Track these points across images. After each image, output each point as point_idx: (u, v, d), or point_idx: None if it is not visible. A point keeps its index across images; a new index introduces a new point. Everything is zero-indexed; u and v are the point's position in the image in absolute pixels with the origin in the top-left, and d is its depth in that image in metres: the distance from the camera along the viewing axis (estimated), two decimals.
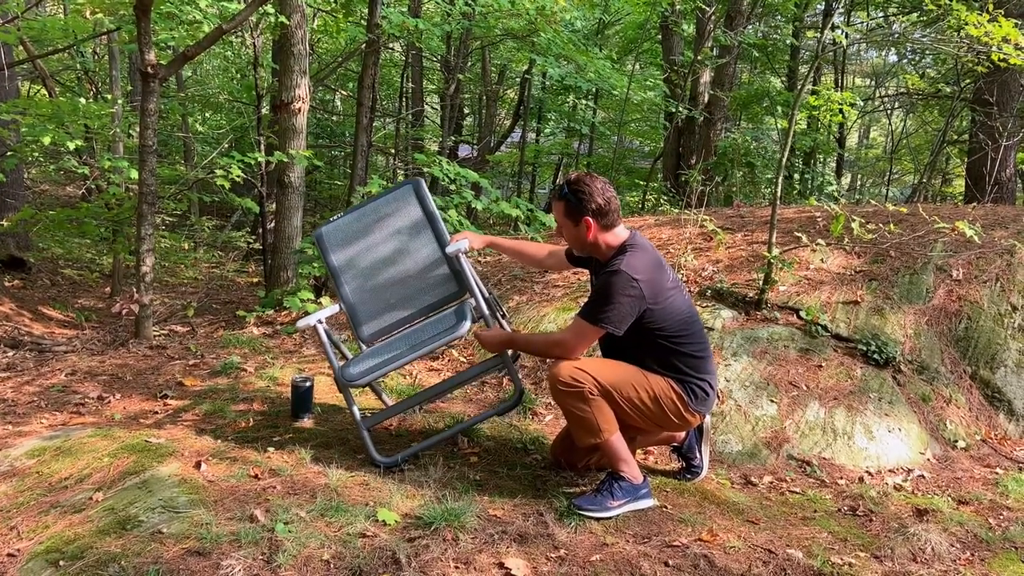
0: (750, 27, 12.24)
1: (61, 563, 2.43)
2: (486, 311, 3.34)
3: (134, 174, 6.48)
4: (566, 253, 3.42)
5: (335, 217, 3.74)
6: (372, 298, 3.58)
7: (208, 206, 13.10)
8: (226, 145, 10.55)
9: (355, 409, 3.33)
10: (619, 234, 3.03)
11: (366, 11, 8.23)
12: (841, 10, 11.73)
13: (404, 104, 14.78)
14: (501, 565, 2.51)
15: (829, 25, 5.30)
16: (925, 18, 10.78)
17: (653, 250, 3.05)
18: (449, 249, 3.45)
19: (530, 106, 14.29)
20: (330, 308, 3.66)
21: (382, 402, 3.92)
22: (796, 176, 12.04)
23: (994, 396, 4.17)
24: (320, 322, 3.47)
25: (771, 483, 3.39)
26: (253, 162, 6.57)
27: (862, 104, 14.36)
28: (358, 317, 3.58)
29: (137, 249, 5.64)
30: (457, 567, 2.50)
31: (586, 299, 4.85)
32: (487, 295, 3.47)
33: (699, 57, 10.69)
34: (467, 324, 3.23)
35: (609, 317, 2.86)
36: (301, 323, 3.50)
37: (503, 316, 3.62)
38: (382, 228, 3.62)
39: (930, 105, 13.99)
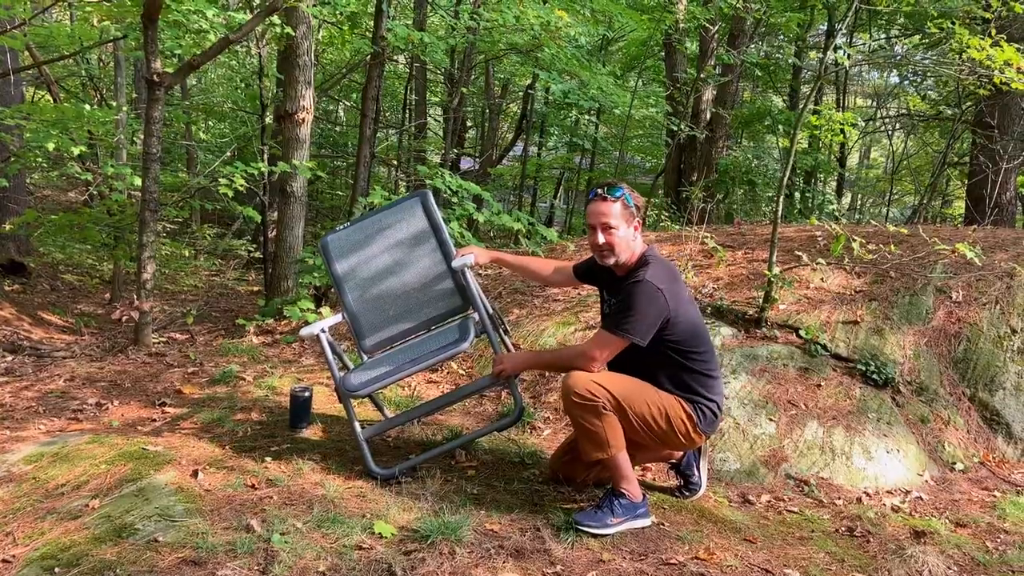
0: (753, 46, 12.30)
1: (57, 570, 2.42)
2: (489, 327, 3.34)
3: (137, 181, 6.51)
4: (574, 269, 3.42)
5: (341, 226, 3.74)
6: (375, 309, 3.57)
7: (209, 214, 13.12)
8: (229, 154, 10.59)
9: (355, 420, 3.32)
10: (640, 244, 3.07)
11: (371, 24, 8.28)
12: (844, 31, 11.80)
13: (407, 116, 14.82)
14: None
15: (832, 46, 5.34)
16: (928, 40, 10.84)
17: (669, 262, 3.07)
18: (455, 263, 3.44)
19: (532, 120, 14.33)
20: (333, 317, 3.66)
21: (381, 414, 3.91)
22: (797, 195, 12.05)
23: (992, 419, 4.16)
24: (323, 331, 3.47)
25: (769, 502, 3.39)
26: (256, 172, 6.59)
27: (863, 124, 14.42)
28: (360, 327, 3.57)
29: (138, 256, 5.65)
30: None
31: (586, 313, 4.88)
32: (490, 310, 3.47)
33: (702, 75, 10.73)
34: (470, 339, 3.23)
35: (636, 327, 2.87)
36: (304, 331, 3.50)
37: (505, 332, 3.62)
38: (387, 239, 3.61)
39: (931, 127, 14.05)
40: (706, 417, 3.03)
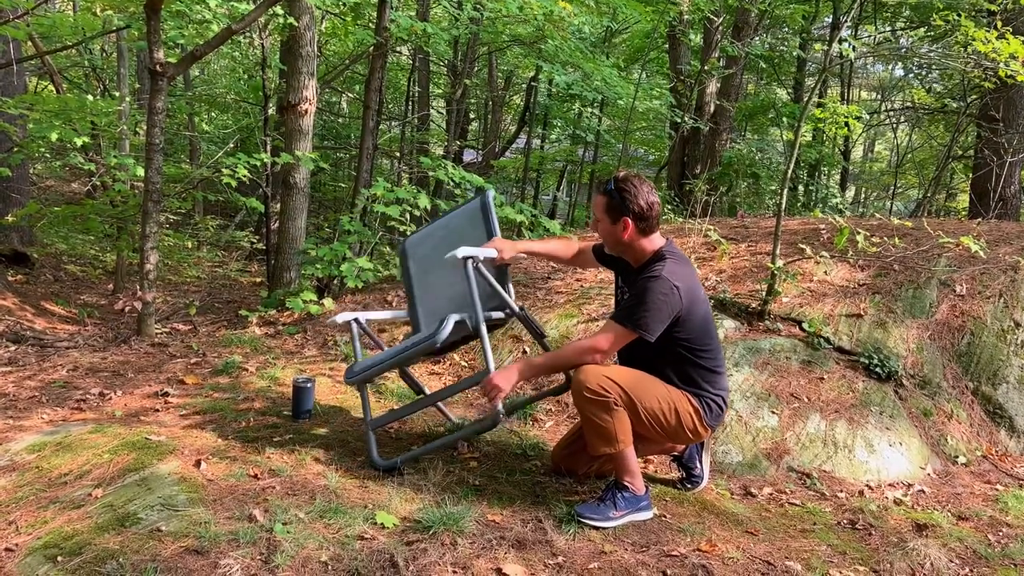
0: (757, 38, 12.25)
1: (59, 559, 2.43)
2: (483, 329, 3.13)
3: (140, 171, 6.50)
4: (594, 250, 3.38)
5: (417, 230, 3.82)
6: (431, 308, 3.60)
7: (212, 205, 13.14)
8: (232, 145, 10.58)
9: (369, 409, 3.36)
10: (655, 241, 3.02)
11: (375, 15, 8.25)
12: (849, 23, 11.75)
13: (410, 108, 14.80)
14: (499, 571, 2.51)
15: (836, 38, 5.32)
16: (933, 33, 10.80)
17: (687, 259, 3.05)
18: (447, 255, 3.26)
19: (536, 112, 14.29)
20: (374, 312, 3.66)
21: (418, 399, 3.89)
22: (800, 188, 12.04)
23: (995, 412, 4.16)
24: (357, 321, 3.51)
25: (771, 495, 3.39)
26: (259, 163, 6.58)
27: (868, 117, 14.36)
28: (417, 326, 3.65)
29: (141, 246, 5.65)
30: (455, 572, 2.49)
31: (589, 305, 4.87)
32: (516, 310, 3.36)
33: (706, 67, 10.71)
34: (441, 336, 3.12)
35: (646, 322, 2.85)
36: (339, 318, 3.56)
37: (542, 335, 3.46)
38: (450, 241, 3.53)
39: (936, 120, 14.00)
40: (712, 411, 3.03)
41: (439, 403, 3.88)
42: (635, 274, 3.03)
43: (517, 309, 3.37)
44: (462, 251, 3.20)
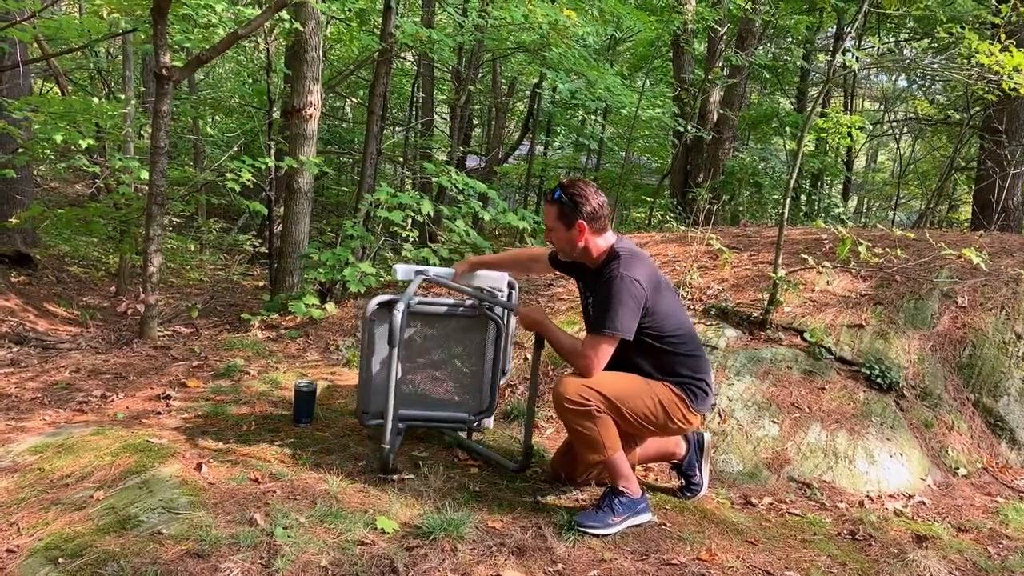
0: (761, 48, 12.28)
1: (60, 560, 2.43)
2: (398, 309, 3.20)
3: (144, 174, 6.52)
4: (549, 257, 3.41)
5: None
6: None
7: (215, 209, 13.14)
8: (236, 149, 10.61)
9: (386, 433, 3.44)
10: (608, 239, 3.06)
11: (380, 21, 8.29)
12: (852, 34, 11.76)
13: (414, 113, 14.83)
14: None
15: (840, 49, 5.34)
16: (936, 45, 10.82)
17: (641, 251, 3.07)
18: (395, 268, 3.65)
19: (539, 119, 14.31)
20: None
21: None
22: (803, 198, 12.05)
23: (996, 424, 4.16)
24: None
25: (771, 504, 3.39)
26: (263, 167, 6.60)
27: (871, 128, 14.38)
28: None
29: (144, 249, 5.66)
30: None
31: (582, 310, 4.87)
32: (477, 305, 3.52)
33: (710, 76, 10.72)
34: (370, 307, 3.37)
35: (622, 323, 2.87)
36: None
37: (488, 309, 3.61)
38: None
39: (939, 131, 14.02)
40: (697, 397, 3.04)
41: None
42: (594, 276, 3.05)
43: (476, 303, 3.55)
44: (417, 268, 3.59)
